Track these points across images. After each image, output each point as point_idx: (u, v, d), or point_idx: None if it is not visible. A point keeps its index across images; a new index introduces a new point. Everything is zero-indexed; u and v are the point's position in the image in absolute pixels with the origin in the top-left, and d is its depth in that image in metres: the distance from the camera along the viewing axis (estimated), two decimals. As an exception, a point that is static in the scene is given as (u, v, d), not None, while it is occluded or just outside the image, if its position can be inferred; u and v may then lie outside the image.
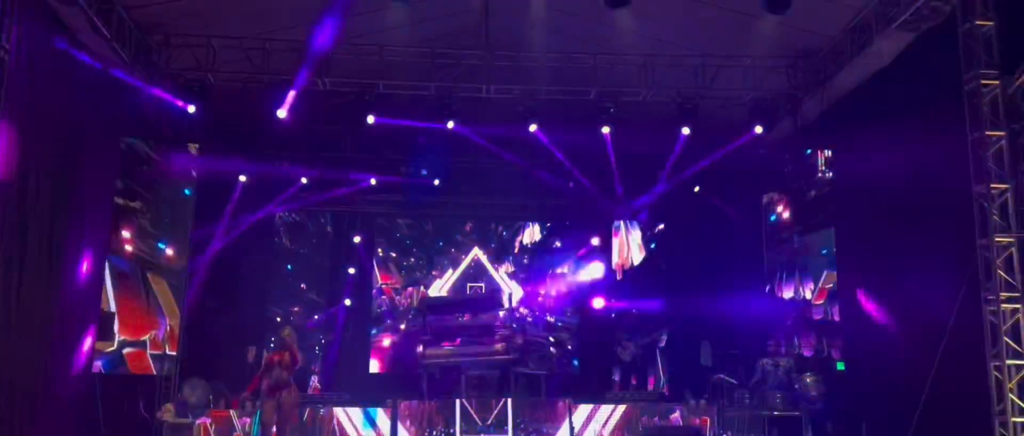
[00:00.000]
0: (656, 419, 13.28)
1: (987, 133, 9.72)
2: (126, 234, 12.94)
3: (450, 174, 16.81)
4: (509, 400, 12.41)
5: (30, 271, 10.23)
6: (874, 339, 12.41)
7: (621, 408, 13.55)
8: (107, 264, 12.55)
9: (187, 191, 13.66)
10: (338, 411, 13.17)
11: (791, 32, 12.57)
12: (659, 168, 16.39)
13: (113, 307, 12.63)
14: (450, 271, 17.83)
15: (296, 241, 17.42)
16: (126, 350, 12.71)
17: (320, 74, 13.29)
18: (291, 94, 12.96)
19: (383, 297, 17.66)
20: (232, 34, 12.73)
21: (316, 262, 17.60)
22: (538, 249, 18.14)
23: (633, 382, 15.51)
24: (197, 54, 12.93)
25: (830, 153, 13.69)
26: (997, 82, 9.74)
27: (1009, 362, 9.32)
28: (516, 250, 18.08)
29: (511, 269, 18.00)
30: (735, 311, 15.25)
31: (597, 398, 14.20)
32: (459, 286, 17.61)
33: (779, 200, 14.84)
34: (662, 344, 15.70)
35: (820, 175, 13.87)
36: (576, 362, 17.55)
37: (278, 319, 16.37)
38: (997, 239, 9.54)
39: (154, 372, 13.05)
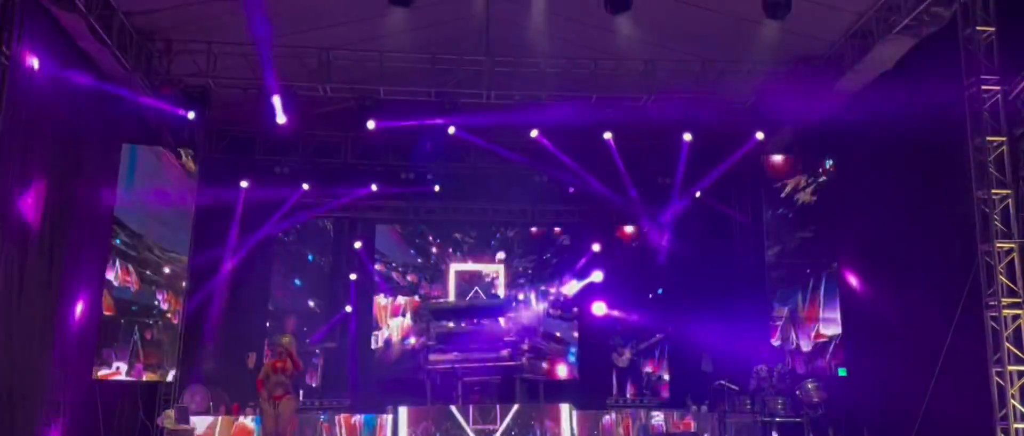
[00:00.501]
0: (659, 425, 13.26)
1: (988, 139, 9.72)
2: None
3: (451, 179, 16.83)
4: (514, 406, 12.39)
5: (31, 277, 10.22)
6: (875, 345, 12.39)
7: (621, 414, 13.54)
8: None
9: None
10: (338, 417, 13.17)
11: (792, 37, 12.57)
12: (662, 174, 16.42)
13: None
14: (451, 277, 17.81)
15: (296, 246, 17.39)
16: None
17: (321, 80, 13.31)
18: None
19: (385, 302, 17.64)
20: (233, 41, 12.74)
21: (317, 267, 17.59)
22: (539, 255, 18.11)
23: (632, 388, 15.48)
24: (198, 60, 12.94)
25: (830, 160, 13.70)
26: (998, 87, 9.74)
27: (1011, 368, 9.30)
28: (518, 255, 18.05)
29: (513, 274, 17.98)
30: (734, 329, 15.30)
31: (596, 404, 14.19)
32: (461, 292, 17.59)
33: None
34: (658, 350, 15.66)
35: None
36: (576, 368, 17.52)
37: (267, 324, 16.35)
38: (998, 245, 9.53)
39: (155, 378, 13.06)
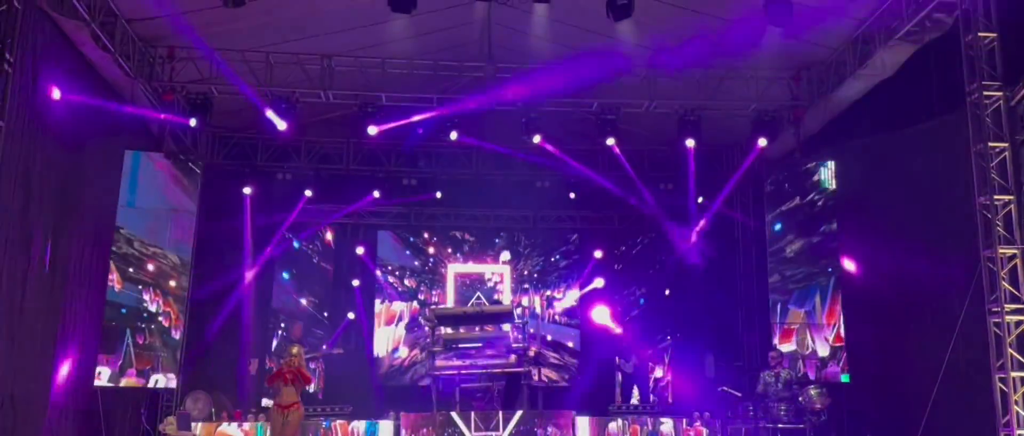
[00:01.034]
0: (668, 433, 13.23)
1: (990, 145, 9.71)
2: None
3: (453, 186, 16.84)
4: (516, 413, 12.37)
5: (34, 283, 10.24)
6: (878, 350, 12.38)
7: (624, 420, 13.52)
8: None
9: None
10: (340, 424, 13.15)
11: (793, 44, 12.58)
12: (664, 179, 16.45)
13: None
14: (451, 280, 17.82)
15: (298, 252, 17.38)
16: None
17: (323, 86, 13.34)
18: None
19: (379, 309, 17.63)
20: (235, 47, 12.77)
21: (320, 273, 17.58)
22: (545, 257, 18.11)
23: (635, 394, 15.46)
24: (200, 67, 12.97)
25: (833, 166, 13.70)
26: (1000, 93, 9.75)
27: (1014, 374, 9.29)
28: (523, 257, 18.04)
29: (518, 278, 17.97)
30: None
31: (599, 411, 14.17)
32: (462, 295, 17.59)
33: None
34: (666, 354, 15.63)
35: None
36: (578, 374, 17.51)
37: (270, 330, 16.35)
38: (1001, 251, 9.52)
39: (157, 385, 13.06)
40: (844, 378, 12.82)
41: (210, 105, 13.33)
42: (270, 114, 13.20)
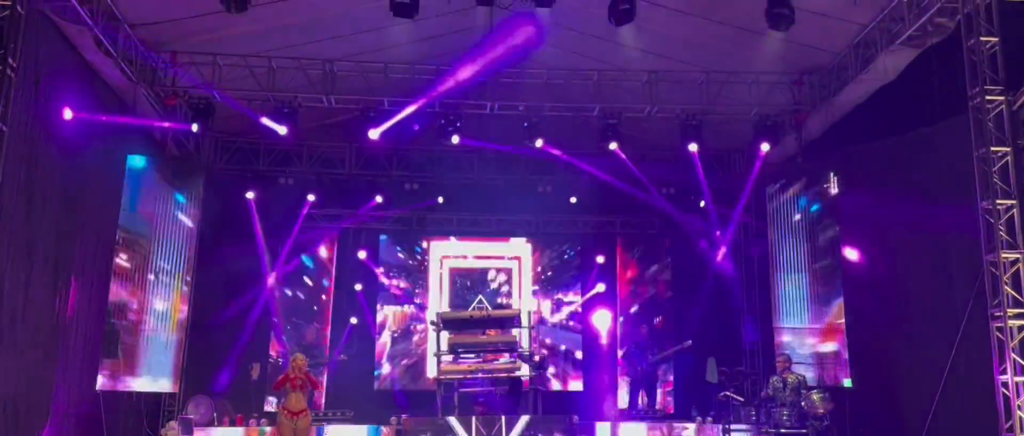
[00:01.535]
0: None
1: (992, 149, 9.70)
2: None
3: (454, 191, 16.85)
4: (518, 418, 12.33)
5: (36, 288, 10.24)
6: (881, 355, 12.36)
7: (626, 426, 13.49)
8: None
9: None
10: (343, 429, 13.15)
11: (795, 48, 12.59)
12: (667, 184, 16.47)
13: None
14: (455, 286, 17.80)
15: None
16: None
17: (325, 91, 13.36)
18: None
19: (389, 313, 17.62)
20: (237, 52, 12.79)
21: (320, 277, 17.57)
22: (545, 265, 18.09)
23: (641, 400, 15.42)
24: (203, 72, 12.99)
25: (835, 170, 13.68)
26: (1002, 98, 9.74)
27: (1017, 378, 9.26)
28: (523, 266, 18.02)
29: (519, 285, 17.96)
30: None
31: (602, 416, 14.15)
32: (463, 303, 17.56)
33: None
34: (669, 362, 15.61)
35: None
36: (582, 379, 17.48)
37: (272, 335, 16.33)
38: (1003, 255, 9.50)
39: (159, 389, 13.05)
40: (847, 383, 12.80)
41: (212, 110, 13.36)
42: (267, 121, 13.25)
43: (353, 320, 17.10)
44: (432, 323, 13.35)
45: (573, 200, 17.00)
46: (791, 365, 12.37)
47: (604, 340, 17.50)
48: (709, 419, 13.50)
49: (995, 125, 9.76)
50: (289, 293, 16.95)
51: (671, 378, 16.57)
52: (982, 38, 9.79)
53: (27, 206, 9.97)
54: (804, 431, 11.69)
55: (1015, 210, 9.58)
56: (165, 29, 12.20)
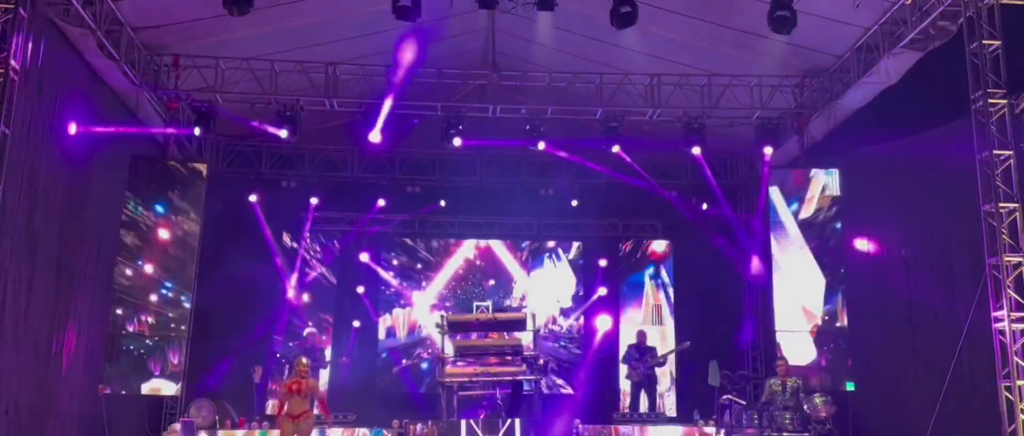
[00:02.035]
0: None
1: (995, 152, 9.69)
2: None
3: (456, 193, 16.85)
4: (520, 421, 12.31)
5: (39, 290, 10.26)
6: (884, 359, 12.34)
7: (628, 428, 13.47)
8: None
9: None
10: (343, 432, 13.13)
11: (797, 52, 12.59)
12: (669, 187, 16.49)
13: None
14: (458, 289, 17.78)
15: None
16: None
17: (328, 94, 13.38)
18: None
19: (391, 316, 17.61)
20: (240, 55, 12.81)
21: (323, 281, 17.56)
22: (547, 268, 18.07)
23: (642, 403, 15.38)
24: (205, 75, 13.01)
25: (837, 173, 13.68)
26: (1004, 101, 9.73)
27: (1019, 382, 9.24)
28: (525, 269, 18.01)
29: (522, 288, 17.94)
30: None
31: (605, 419, 14.12)
32: (466, 306, 17.54)
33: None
34: (664, 364, 15.54)
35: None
36: (583, 382, 17.45)
37: (275, 337, 16.33)
38: (1006, 258, 9.49)
39: (161, 392, 13.05)
40: (850, 386, 12.79)
41: (214, 113, 13.37)
42: (270, 129, 13.38)
43: (355, 323, 17.08)
44: (437, 326, 13.33)
45: (574, 203, 16.99)
46: (789, 369, 12.34)
47: (605, 343, 17.46)
48: (711, 422, 13.47)
49: (998, 128, 9.75)
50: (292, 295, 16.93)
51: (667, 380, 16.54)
52: (985, 41, 9.79)
53: (30, 209, 9.99)
54: (806, 435, 11.67)
55: (1018, 213, 9.57)
56: (168, 32, 12.22)
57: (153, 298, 12.91)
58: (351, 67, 13.36)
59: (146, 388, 12.85)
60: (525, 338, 13.39)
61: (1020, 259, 9.48)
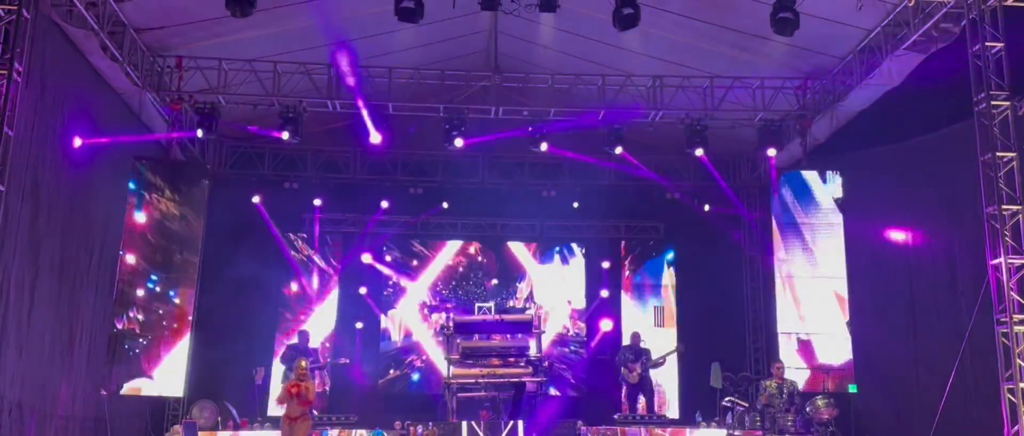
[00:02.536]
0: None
1: (998, 154, 9.68)
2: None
3: (459, 195, 16.86)
4: (522, 423, 12.31)
5: (42, 292, 10.27)
6: (886, 361, 12.34)
7: (630, 430, 13.46)
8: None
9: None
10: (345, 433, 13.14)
11: (800, 53, 12.59)
12: (670, 189, 16.51)
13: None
14: (460, 291, 17.78)
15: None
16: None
17: (330, 96, 13.39)
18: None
19: (394, 317, 17.60)
20: (243, 57, 12.83)
21: (326, 281, 17.56)
22: (549, 270, 18.06)
23: (641, 405, 15.38)
24: (208, 76, 13.02)
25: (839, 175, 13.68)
26: (1007, 103, 9.72)
27: (1022, 384, 9.23)
28: (528, 271, 17.99)
29: (524, 290, 17.93)
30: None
31: (605, 421, 14.11)
32: (469, 308, 17.54)
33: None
34: (663, 364, 15.53)
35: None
36: (584, 384, 17.45)
37: (277, 338, 16.32)
38: (1009, 260, 9.48)
39: (163, 393, 13.07)
40: (852, 388, 12.78)
41: (217, 115, 13.39)
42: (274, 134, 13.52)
43: (359, 325, 17.08)
44: (443, 327, 13.33)
45: (575, 205, 17.00)
46: (783, 372, 12.35)
47: (607, 344, 17.46)
48: (713, 424, 13.48)
49: (1001, 130, 9.74)
50: (294, 295, 16.96)
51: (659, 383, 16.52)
52: (988, 43, 9.77)
53: (33, 210, 10.01)
54: (809, 436, 11.69)
55: (1020, 216, 9.55)
56: (171, 34, 12.24)
57: (156, 299, 12.92)
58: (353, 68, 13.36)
59: (149, 390, 12.86)
60: (531, 339, 13.40)
61: (1022, 261, 9.47)
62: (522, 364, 12.81)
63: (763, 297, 16.17)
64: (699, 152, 14.08)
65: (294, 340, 14.87)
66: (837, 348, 13.73)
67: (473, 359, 12.77)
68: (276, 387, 14.89)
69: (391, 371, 17.27)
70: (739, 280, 16.80)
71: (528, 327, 13.31)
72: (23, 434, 9.83)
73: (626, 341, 15.47)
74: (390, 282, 17.57)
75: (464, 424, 12.46)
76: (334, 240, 17.38)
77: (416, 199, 16.79)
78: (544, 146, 14.24)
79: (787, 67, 13.17)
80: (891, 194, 12.36)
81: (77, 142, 10.85)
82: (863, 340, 12.85)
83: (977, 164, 9.83)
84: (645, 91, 13.76)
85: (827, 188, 14.12)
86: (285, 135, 13.49)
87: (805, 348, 14.21)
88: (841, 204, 13.68)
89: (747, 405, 13.17)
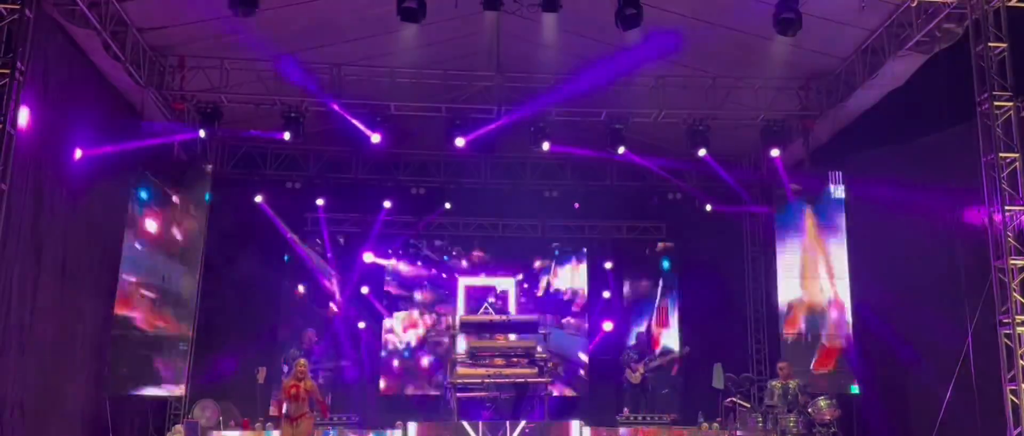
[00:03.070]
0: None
1: (1001, 155, 9.68)
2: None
3: (461, 195, 16.86)
4: (523, 423, 12.33)
5: (44, 290, 10.28)
6: (888, 362, 12.32)
7: (632, 431, 13.47)
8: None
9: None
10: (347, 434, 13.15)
11: (803, 54, 12.57)
12: (672, 189, 16.52)
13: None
14: (461, 292, 17.77)
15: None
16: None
17: (333, 96, 13.38)
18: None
19: (395, 317, 17.60)
20: (245, 57, 12.82)
21: (328, 281, 17.56)
22: (551, 271, 18.05)
23: (643, 406, 15.38)
24: (210, 76, 13.02)
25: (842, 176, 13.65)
26: (1010, 104, 9.72)
27: (1025, 386, 9.23)
28: (530, 271, 17.98)
29: (526, 290, 17.92)
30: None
31: (606, 421, 14.12)
32: (470, 308, 17.53)
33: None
34: (674, 369, 15.56)
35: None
36: (586, 385, 17.44)
37: (279, 338, 16.32)
38: (1012, 262, 9.48)
39: (165, 393, 13.06)
40: (854, 389, 12.77)
41: (220, 114, 13.39)
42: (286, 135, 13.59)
43: (361, 325, 17.08)
44: (449, 327, 13.34)
45: (576, 205, 17.00)
46: (792, 372, 12.33)
47: (609, 345, 17.45)
48: (715, 425, 13.47)
49: (1003, 131, 9.74)
50: (298, 297, 16.96)
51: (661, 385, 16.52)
52: (991, 44, 9.78)
53: (35, 211, 10.01)
54: (811, 437, 11.67)
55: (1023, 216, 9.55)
56: (173, 33, 12.24)
57: (158, 298, 12.92)
58: (355, 68, 13.36)
59: (151, 389, 12.85)
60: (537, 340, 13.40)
61: (1026, 262, 9.47)
62: (527, 365, 12.82)
63: (765, 297, 16.15)
64: (702, 152, 14.08)
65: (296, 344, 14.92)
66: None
67: (478, 359, 12.78)
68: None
69: (392, 371, 17.26)
70: (741, 280, 16.78)
71: (534, 327, 13.32)
72: (25, 434, 9.83)
73: (631, 341, 15.49)
74: (395, 289, 17.57)
75: (466, 424, 12.47)
76: (336, 239, 17.38)
77: (418, 199, 16.80)
78: (546, 145, 14.23)
79: (790, 67, 13.14)
80: (894, 195, 12.33)
81: (77, 154, 10.86)
82: (865, 340, 12.83)
83: (980, 165, 9.82)
84: (647, 91, 13.74)
85: (832, 190, 14.10)
86: (286, 135, 13.51)
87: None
88: (844, 205, 13.64)
89: (749, 406, 13.16)
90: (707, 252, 16.66)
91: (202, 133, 13.43)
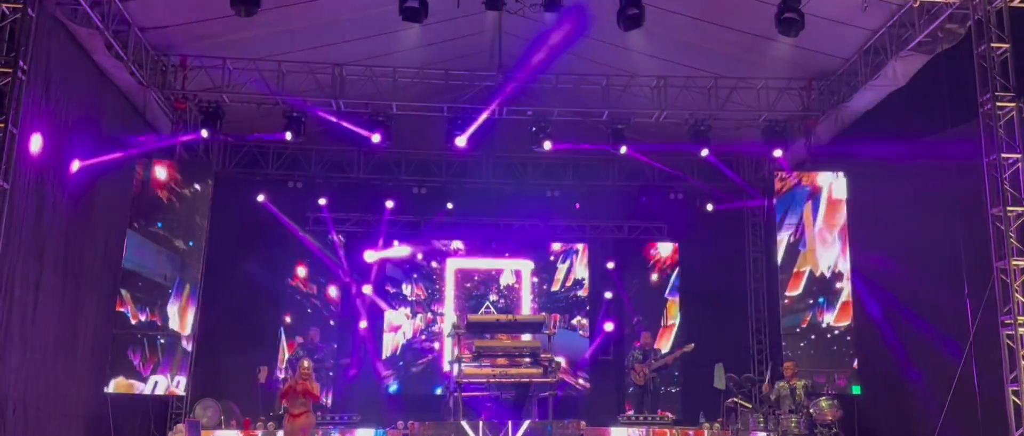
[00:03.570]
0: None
1: (1003, 156, 9.67)
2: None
3: (462, 196, 16.86)
4: (525, 423, 12.31)
5: (46, 289, 10.29)
6: (890, 362, 12.31)
7: (633, 431, 13.45)
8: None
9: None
10: (349, 433, 13.14)
11: (805, 54, 12.57)
12: (674, 190, 16.53)
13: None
14: (464, 291, 17.77)
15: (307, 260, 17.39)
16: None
17: (334, 95, 13.40)
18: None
19: (397, 317, 17.60)
20: (247, 56, 12.83)
21: (329, 281, 17.56)
22: (553, 271, 18.05)
23: (647, 406, 15.37)
24: (212, 75, 13.03)
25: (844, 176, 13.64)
26: (1013, 104, 9.71)
27: (1027, 386, 9.22)
28: (532, 271, 17.98)
29: (528, 290, 17.92)
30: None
31: (609, 422, 14.11)
32: (472, 308, 17.53)
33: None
34: (669, 367, 15.51)
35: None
36: (588, 384, 17.45)
37: (299, 339, 16.31)
38: (1014, 262, 9.46)
39: (166, 392, 13.07)
40: (855, 390, 12.75)
41: (221, 113, 13.40)
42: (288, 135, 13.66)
43: (363, 324, 17.09)
44: (453, 326, 13.33)
45: (577, 206, 17.00)
46: (798, 372, 12.32)
47: (611, 345, 17.45)
48: (716, 425, 13.46)
49: (1006, 132, 9.73)
50: (300, 297, 16.97)
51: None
52: (993, 44, 9.77)
53: (37, 209, 10.02)
54: (813, 438, 11.65)
55: (1026, 217, 9.54)
56: (175, 33, 12.25)
57: (159, 298, 12.92)
58: (358, 68, 13.37)
59: (152, 388, 12.86)
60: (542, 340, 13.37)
61: (1028, 263, 9.46)
62: (532, 365, 12.81)
63: (767, 297, 16.14)
64: (705, 153, 14.08)
65: (300, 340, 14.92)
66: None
67: (483, 359, 12.77)
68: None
69: (394, 370, 17.26)
70: (743, 280, 16.78)
71: (539, 327, 13.31)
72: (27, 432, 9.84)
73: (638, 342, 15.47)
74: (396, 289, 17.57)
75: (467, 424, 12.47)
76: (336, 239, 17.38)
77: (420, 199, 16.81)
78: (548, 145, 14.22)
79: (792, 67, 13.14)
80: (895, 195, 12.32)
81: (76, 164, 10.89)
82: (867, 340, 12.82)
83: (982, 165, 9.82)
84: (649, 91, 13.74)
85: (833, 190, 14.09)
86: (288, 135, 13.52)
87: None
88: (846, 205, 13.62)
89: (751, 406, 13.15)
90: (708, 252, 16.64)
91: (204, 132, 13.43)
